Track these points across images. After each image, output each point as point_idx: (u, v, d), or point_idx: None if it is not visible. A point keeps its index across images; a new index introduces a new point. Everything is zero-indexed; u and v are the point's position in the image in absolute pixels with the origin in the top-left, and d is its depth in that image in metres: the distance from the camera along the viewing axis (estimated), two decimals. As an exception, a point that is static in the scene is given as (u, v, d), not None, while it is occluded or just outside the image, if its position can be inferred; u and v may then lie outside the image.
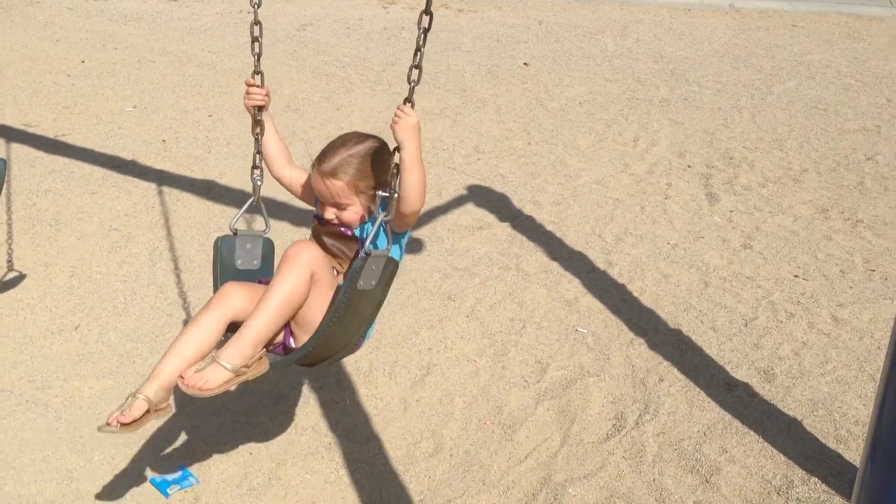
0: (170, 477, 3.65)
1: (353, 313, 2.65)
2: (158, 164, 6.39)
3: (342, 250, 2.96)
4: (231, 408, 4.09)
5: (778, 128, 7.72)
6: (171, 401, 2.93)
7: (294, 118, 7.50)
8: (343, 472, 3.78)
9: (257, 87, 2.97)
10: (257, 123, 3.03)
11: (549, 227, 5.65)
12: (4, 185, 4.49)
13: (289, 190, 3.24)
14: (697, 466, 3.68)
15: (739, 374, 4.26)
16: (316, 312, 2.83)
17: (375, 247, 2.68)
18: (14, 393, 4.18)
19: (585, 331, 4.62)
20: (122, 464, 3.72)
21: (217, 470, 3.73)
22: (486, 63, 9.45)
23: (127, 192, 5.95)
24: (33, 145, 6.58)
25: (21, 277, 5.06)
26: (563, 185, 6.33)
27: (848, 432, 3.90)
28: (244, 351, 2.79)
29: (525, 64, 9.48)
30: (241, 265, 2.97)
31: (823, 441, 3.86)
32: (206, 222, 5.67)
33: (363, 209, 2.92)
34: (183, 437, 3.92)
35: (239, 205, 5.74)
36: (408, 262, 5.20)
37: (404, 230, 2.96)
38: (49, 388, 4.21)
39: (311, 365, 2.89)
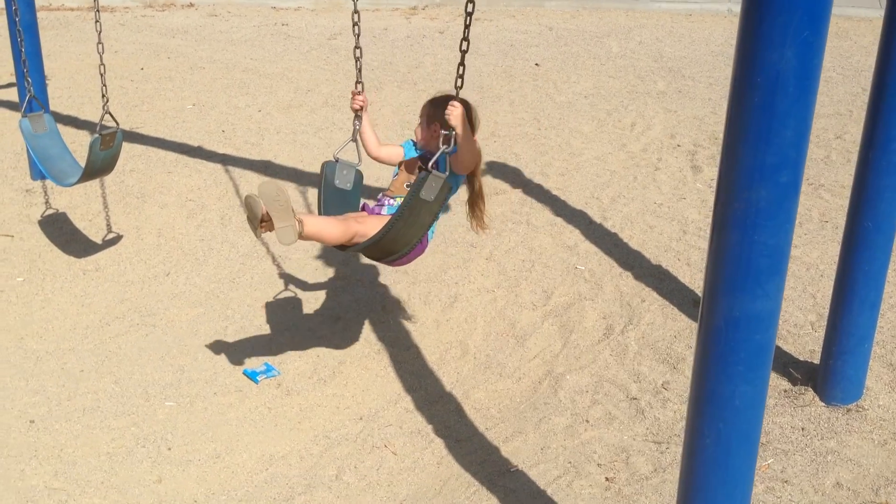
0: (258, 369, 4.70)
1: (414, 216, 3.55)
2: (221, 150, 7.47)
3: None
4: (300, 325, 5.15)
5: (760, 113, 8.69)
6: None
7: (332, 112, 8.55)
8: (390, 369, 4.83)
9: (359, 94, 4.06)
10: (358, 119, 4.09)
11: (554, 192, 6.68)
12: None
13: (386, 162, 4.24)
14: (668, 358, 4.68)
15: (706, 295, 5.25)
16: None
17: (437, 169, 3.60)
18: (126, 319, 5.25)
19: (583, 268, 5.63)
20: (220, 362, 4.79)
21: (293, 366, 4.78)
22: (501, 64, 10.49)
23: (197, 171, 7.03)
24: (113, 136, 7.68)
25: (118, 238, 6.15)
26: (568, 161, 7.36)
27: (788, 332, 4.86)
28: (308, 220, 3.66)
29: (536, 65, 10.52)
30: (338, 184, 4.00)
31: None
32: (265, 194, 6.73)
33: (433, 136, 3.93)
34: (266, 346, 4.98)
35: (292, 179, 6.86)
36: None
37: (460, 174, 3.98)
38: (153, 315, 5.29)
39: (377, 257, 3.83)
